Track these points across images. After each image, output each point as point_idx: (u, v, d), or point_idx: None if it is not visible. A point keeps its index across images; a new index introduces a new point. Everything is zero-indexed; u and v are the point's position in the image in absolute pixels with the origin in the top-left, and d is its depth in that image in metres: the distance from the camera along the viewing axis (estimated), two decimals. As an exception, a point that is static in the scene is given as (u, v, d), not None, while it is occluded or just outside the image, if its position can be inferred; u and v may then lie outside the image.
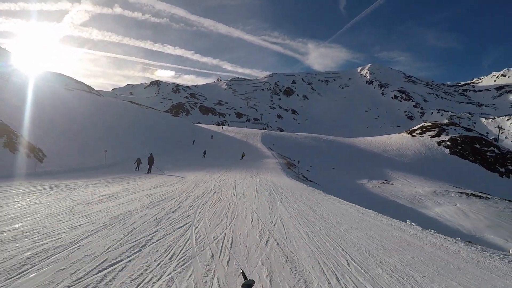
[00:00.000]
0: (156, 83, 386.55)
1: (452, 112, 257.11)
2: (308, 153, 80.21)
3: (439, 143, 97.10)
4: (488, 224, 35.81)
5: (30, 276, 6.65)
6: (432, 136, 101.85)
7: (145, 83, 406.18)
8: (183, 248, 8.93)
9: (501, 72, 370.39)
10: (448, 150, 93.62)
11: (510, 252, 11.11)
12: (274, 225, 12.26)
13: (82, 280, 6.55)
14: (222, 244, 9.56)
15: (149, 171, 33.24)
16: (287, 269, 7.81)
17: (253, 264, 8.15)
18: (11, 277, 6.53)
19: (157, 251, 8.63)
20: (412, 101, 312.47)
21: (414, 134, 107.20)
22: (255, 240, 10.18)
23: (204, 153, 58.48)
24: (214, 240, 9.85)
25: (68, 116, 56.22)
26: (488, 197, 52.74)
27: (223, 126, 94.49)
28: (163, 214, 12.95)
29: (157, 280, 6.86)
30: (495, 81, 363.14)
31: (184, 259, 8.14)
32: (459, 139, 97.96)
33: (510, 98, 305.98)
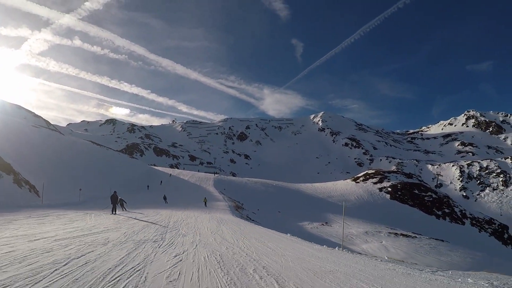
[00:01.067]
0: (112, 121, 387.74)
1: (399, 159, 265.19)
2: (257, 197, 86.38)
3: (380, 189, 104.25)
4: (404, 256, 43.38)
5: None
6: (375, 183, 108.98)
7: (101, 120, 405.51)
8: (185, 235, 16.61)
9: (448, 121, 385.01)
10: (389, 195, 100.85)
11: (385, 258, 17.62)
12: (218, 232, 22.79)
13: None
14: (195, 236, 18.66)
15: (114, 210, 31.01)
16: (219, 239, 17.97)
17: (209, 241, 17.42)
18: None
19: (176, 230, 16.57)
20: (362, 148, 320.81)
21: (358, 181, 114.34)
22: (209, 236, 20.02)
23: (165, 198, 57.37)
24: (191, 235, 18.98)
25: (41, 156, 62.18)
26: (416, 236, 61.09)
27: (171, 174, 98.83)
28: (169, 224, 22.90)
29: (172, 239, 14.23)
30: (442, 129, 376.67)
31: (182, 238, 16.03)
32: (399, 185, 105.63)
33: (456, 145, 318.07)
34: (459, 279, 13.33)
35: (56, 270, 9.86)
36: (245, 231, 25.30)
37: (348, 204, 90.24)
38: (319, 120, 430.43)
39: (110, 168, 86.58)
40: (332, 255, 18.30)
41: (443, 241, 62.52)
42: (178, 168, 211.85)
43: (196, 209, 44.78)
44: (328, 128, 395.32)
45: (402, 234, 61.45)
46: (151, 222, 23.60)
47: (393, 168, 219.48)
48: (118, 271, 10.22)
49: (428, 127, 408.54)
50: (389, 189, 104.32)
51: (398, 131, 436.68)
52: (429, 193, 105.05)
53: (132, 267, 10.84)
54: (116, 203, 31.60)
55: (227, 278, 10.31)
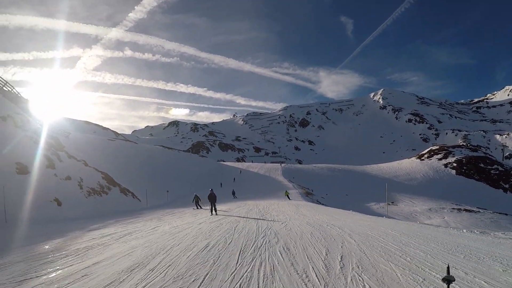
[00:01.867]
0: (175, 123, 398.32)
1: (466, 131, 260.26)
2: (325, 182, 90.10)
3: (445, 165, 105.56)
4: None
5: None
6: (440, 159, 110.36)
7: (164, 123, 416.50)
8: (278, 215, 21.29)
9: None
10: (455, 171, 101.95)
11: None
12: (298, 213, 28.38)
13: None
14: (285, 215, 24.04)
15: (214, 210, 28.69)
16: (301, 216, 23.05)
17: (296, 217, 23.68)
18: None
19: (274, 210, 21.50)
20: (426, 123, 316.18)
21: (422, 158, 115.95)
22: (294, 215, 26.29)
23: (233, 193, 58.31)
24: (281, 216, 23.49)
25: (125, 165, 68.95)
26: (479, 211, 63.05)
27: (240, 170, 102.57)
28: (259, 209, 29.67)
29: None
30: (508, 95, 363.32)
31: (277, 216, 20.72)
32: (464, 160, 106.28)
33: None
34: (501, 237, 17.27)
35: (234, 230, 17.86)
36: (317, 210, 32.65)
37: (414, 182, 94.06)
38: (379, 98, 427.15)
39: (184, 169, 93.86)
40: (375, 220, 26.57)
41: (506, 214, 63.09)
42: (244, 161, 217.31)
43: (274, 199, 49.86)
44: (389, 105, 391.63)
45: (465, 210, 63.66)
46: (244, 217, 26.45)
47: (460, 141, 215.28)
48: (261, 231, 17.47)
49: (494, 94, 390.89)
50: (454, 164, 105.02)
51: (462, 101, 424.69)
52: (495, 166, 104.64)
53: (266, 228, 18.59)
54: (214, 201, 29.13)
55: (313, 228, 18.14)
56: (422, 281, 8.20)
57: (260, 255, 11.49)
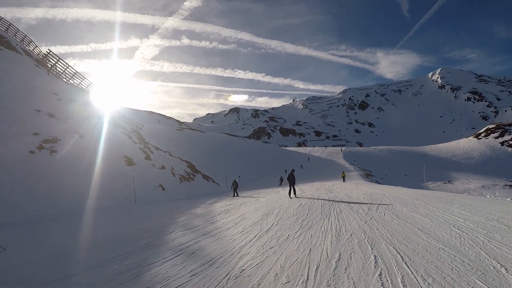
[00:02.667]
0: (235, 110, 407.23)
1: None
2: (384, 164, 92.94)
3: (502, 143, 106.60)
4: None
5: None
6: (496, 137, 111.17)
7: (224, 110, 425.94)
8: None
9: None
10: (511, 149, 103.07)
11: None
12: (357, 189, 29.63)
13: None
14: (346, 192, 27.33)
15: (293, 191, 25.61)
16: (360, 192, 25.35)
17: (355, 192, 27.01)
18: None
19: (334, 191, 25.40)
20: (485, 101, 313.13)
21: (480, 137, 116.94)
22: (354, 191, 28.37)
23: (281, 179, 55.35)
24: (343, 193, 26.32)
25: (198, 153, 74.72)
26: None
27: (309, 158, 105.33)
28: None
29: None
30: None
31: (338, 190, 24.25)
32: None
33: None
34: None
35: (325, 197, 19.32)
36: (372, 187, 36.15)
37: (471, 161, 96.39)
38: (437, 78, 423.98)
39: (249, 155, 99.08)
40: (414, 191, 30.43)
41: None
42: (306, 145, 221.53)
43: (337, 180, 53.10)
44: (448, 84, 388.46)
45: None
46: (316, 193, 29.47)
47: None
48: (331, 197, 23.23)
49: None
50: (511, 142, 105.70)
51: None
52: None
53: (334, 196, 24.63)
54: (293, 183, 25.66)
55: (365, 195, 23.51)
56: (409, 211, 15.07)
57: (332, 206, 18.18)
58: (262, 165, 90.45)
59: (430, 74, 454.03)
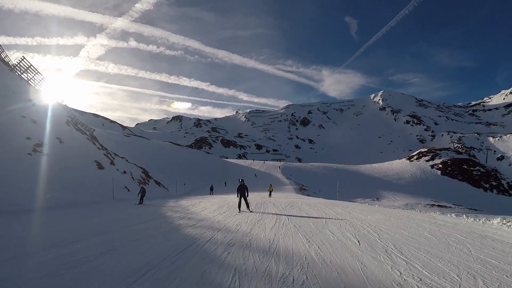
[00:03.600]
0: (178, 118, 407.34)
1: (461, 133, 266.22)
2: (319, 180, 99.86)
3: (432, 166, 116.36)
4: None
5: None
6: (427, 160, 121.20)
7: (167, 118, 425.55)
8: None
9: (510, 90, 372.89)
10: (440, 171, 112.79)
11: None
12: (289, 200, 33.21)
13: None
14: (280, 201, 29.86)
15: (246, 206, 22.91)
16: (289, 202, 28.08)
17: (282, 199, 31.15)
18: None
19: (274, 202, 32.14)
20: (423, 125, 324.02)
21: (412, 159, 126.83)
22: (284, 201, 32.02)
23: (211, 189, 59.19)
24: (277, 202, 30.57)
25: (144, 159, 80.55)
26: (451, 207, 72.85)
27: (256, 174, 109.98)
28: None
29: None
30: (504, 99, 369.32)
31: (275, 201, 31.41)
32: (449, 161, 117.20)
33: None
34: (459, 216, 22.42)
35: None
36: (300, 197, 44.09)
37: (402, 182, 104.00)
38: (379, 99, 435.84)
39: (193, 164, 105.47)
40: (329, 201, 37.87)
41: (476, 210, 71.17)
42: (246, 158, 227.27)
43: (273, 192, 59.51)
44: (388, 107, 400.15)
45: (439, 205, 73.05)
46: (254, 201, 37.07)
47: (453, 142, 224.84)
48: (263, 202, 27.56)
49: (490, 98, 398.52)
50: (440, 165, 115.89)
51: (460, 104, 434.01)
52: (478, 168, 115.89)
53: (266, 201, 30.85)
54: (245, 195, 23.19)
55: (288, 200, 31.49)
56: (308, 207, 22.39)
57: (264, 204, 26.81)
58: (204, 175, 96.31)
59: (372, 96, 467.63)
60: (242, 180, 24.25)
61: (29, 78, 55.54)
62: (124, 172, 49.41)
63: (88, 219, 21.07)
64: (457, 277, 7.28)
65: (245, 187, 23.37)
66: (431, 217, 18.99)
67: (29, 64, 55.53)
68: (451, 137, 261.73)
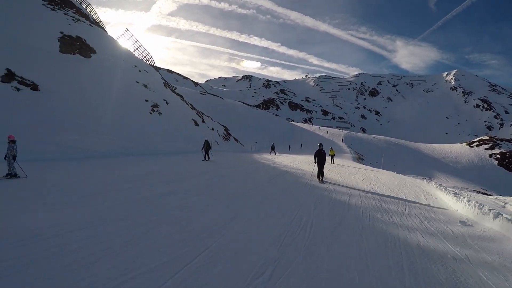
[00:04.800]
0: (248, 77, 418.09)
1: None
2: (379, 152, 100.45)
3: (490, 155, 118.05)
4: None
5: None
6: (486, 149, 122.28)
7: (237, 76, 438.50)
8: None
9: None
10: (497, 162, 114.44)
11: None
12: (344, 162, 40.97)
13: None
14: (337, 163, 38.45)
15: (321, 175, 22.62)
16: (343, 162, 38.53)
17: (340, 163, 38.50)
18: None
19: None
20: (493, 111, 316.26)
21: (472, 145, 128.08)
22: (341, 162, 36.90)
23: (272, 148, 59.53)
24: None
25: (221, 117, 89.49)
26: (491, 195, 77.12)
27: (301, 145, 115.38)
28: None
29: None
30: None
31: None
32: (507, 153, 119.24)
33: None
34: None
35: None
36: (354, 164, 45.49)
37: (458, 166, 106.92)
38: (452, 79, 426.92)
39: (262, 124, 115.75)
40: (373, 168, 43.63)
41: None
42: (311, 122, 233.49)
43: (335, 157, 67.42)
44: (460, 87, 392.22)
45: (483, 193, 75.69)
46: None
47: None
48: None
49: None
50: (498, 156, 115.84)
51: None
52: None
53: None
54: (323, 164, 23.51)
55: (341, 163, 39.13)
56: (353, 175, 27.94)
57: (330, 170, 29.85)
58: (271, 135, 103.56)
59: (444, 74, 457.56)
60: (321, 144, 23.31)
61: (133, 47, 65.53)
62: (212, 129, 59.87)
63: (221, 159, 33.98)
64: (393, 188, 17.67)
65: (324, 153, 22.42)
66: (418, 181, 27.46)
67: (131, 34, 65.85)
68: None
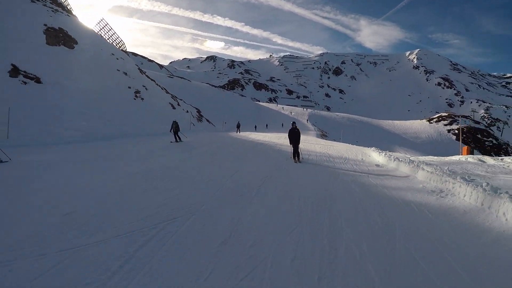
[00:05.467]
0: (212, 58, 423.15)
1: (489, 103, 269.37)
2: (342, 129, 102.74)
3: (448, 131, 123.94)
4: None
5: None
6: (445, 125, 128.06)
7: (201, 57, 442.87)
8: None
9: None
10: (455, 137, 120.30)
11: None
12: (307, 139, 41.35)
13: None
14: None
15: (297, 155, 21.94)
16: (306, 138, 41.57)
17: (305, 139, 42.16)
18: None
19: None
20: (454, 89, 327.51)
21: (431, 121, 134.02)
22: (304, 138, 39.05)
23: (238, 126, 64.50)
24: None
25: (188, 99, 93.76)
26: None
27: (267, 124, 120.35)
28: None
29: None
30: None
31: None
32: (465, 129, 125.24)
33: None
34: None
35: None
36: (317, 140, 46.72)
37: (418, 141, 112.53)
38: (414, 58, 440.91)
39: (229, 105, 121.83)
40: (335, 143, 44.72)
41: None
42: (276, 101, 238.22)
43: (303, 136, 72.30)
44: (422, 66, 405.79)
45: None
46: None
47: (474, 111, 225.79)
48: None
49: None
50: (456, 131, 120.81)
51: (495, 73, 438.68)
52: (491, 139, 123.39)
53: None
54: (297, 143, 24.47)
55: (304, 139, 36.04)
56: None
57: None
58: (238, 115, 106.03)
59: (407, 53, 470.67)
60: (294, 122, 22.40)
61: (109, 37, 69.83)
62: (187, 111, 65.16)
63: (197, 137, 38.48)
64: (342, 152, 21.49)
65: (298, 131, 21.54)
66: (364, 148, 31.71)
67: (106, 23, 70.50)
68: (479, 105, 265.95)
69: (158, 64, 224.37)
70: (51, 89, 36.45)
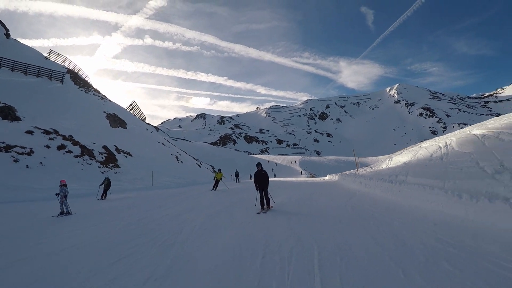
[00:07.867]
0: (202, 116, 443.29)
1: (470, 125, 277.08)
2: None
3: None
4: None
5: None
6: None
7: (191, 115, 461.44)
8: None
9: None
10: None
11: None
12: (299, 181, 61.39)
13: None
14: (293, 178, 62.63)
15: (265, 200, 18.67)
16: (299, 180, 61.77)
17: (299, 180, 60.42)
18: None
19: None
20: (436, 117, 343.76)
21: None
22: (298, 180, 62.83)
23: (236, 175, 70.46)
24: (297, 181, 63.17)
25: (197, 157, 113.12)
26: None
27: (276, 163, 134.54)
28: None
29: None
30: None
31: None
32: None
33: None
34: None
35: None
36: (308, 180, 58.26)
37: None
38: (394, 93, 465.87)
39: (230, 160, 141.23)
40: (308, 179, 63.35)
41: None
42: (268, 152, 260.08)
43: (291, 177, 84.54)
44: (403, 100, 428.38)
45: None
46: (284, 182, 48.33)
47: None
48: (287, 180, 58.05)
49: (503, 89, 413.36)
50: None
51: (474, 95, 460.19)
52: None
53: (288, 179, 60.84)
54: (265, 187, 20.64)
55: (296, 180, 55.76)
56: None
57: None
58: (238, 168, 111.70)
59: (388, 89, 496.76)
60: (259, 163, 19.47)
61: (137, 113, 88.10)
62: (207, 168, 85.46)
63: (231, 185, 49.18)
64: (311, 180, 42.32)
65: (265, 174, 18.81)
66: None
67: (135, 104, 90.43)
68: (461, 128, 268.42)
69: (155, 127, 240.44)
70: (138, 158, 58.28)
